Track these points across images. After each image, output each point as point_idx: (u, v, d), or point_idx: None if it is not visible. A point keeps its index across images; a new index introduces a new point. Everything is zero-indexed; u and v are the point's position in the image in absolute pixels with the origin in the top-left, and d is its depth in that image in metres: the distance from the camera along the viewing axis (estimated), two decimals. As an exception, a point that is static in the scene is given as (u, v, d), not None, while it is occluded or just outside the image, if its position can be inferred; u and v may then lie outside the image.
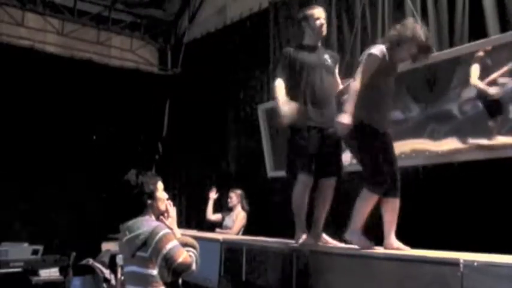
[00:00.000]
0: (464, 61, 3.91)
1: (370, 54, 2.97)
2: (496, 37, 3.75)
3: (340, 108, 3.04)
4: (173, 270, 2.36)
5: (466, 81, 3.91)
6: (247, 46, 6.60)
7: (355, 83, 2.93)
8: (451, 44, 4.15)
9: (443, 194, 3.90)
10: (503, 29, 3.80)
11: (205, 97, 7.32)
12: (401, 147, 4.36)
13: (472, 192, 3.67)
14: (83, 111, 7.15)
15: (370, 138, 2.95)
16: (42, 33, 7.33)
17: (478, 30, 3.93)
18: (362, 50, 3.84)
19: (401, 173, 4.22)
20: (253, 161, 6.12)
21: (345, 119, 2.86)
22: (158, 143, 8.28)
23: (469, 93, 3.90)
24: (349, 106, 2.88)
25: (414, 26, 2.97)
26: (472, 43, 3.89)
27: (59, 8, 7.41)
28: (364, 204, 2.95)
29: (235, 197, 5.34)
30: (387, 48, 3.00)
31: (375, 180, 2.91)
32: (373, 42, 4.75)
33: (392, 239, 2.97)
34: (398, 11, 4.61)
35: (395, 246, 2.89)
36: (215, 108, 7.10)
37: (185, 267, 2.38)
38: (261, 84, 6.29)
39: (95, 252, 6.32)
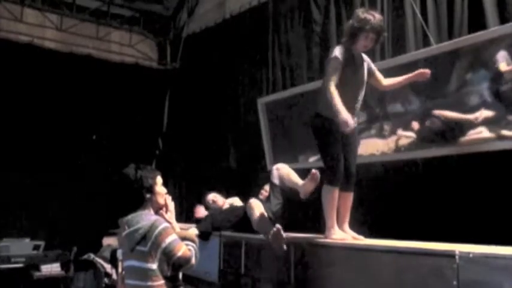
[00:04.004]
0: (464, 53, 3.90)
1: (333, 58, 3.06)
2: (495, 29, 3.74)
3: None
4: (173, 264, 2.38)
5: (465, 73, 3.90)
6: (246, 40, 6.59)
7: (330, 88, 3.00)
8: (450, 36, 4.14)
9: (441, 185, 3.91)
10: (503, 20, 3.78)
11: (205, 91, 7.32)
12: (402, 139, 4.37)
13: (469, 184, 3.68)
14: (82, 106, 7.14)
15: (329, 134, 3.06)
16: (41, 29, 7.33)
17: (477, 22, 3.91)
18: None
19: (401, 166, 4.31)
20: (253, 154, 6.12)
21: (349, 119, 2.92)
22: (158, 138, 8.29)
23: (469, 86, 3.89)
24: (341, 108, 2.94)
25: (363, 16, 3.05)
26: (472, 35, 3.88)
27: (58, 3, 7.40)
28: (328, 200, 3.06)
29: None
30: (345, 43, 3.12)
31: (330, 172, 3.04)
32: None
33: (346, 229, 3.18)
34: (398, 3, 4.60)
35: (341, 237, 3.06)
36: (215, 102, 7.10)
37: (185, 261, 2.40)
38: (261, 78, 6.29)
39: (96, 247, 6.35)
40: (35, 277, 5.92)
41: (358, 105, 3.21)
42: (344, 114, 2.89)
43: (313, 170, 3.22)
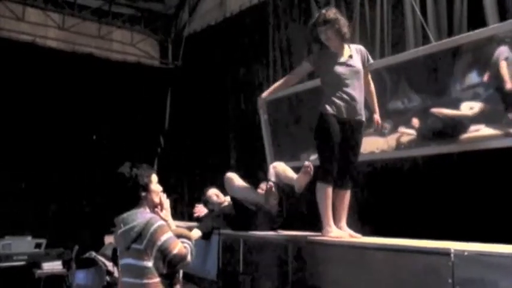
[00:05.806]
0: (464, 51, 3.88)
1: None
2: (495, 26, 3.72)
3: None
4: (168, 262, 2.38)
5: (465, 71, 3.88)
6: (247, 38, 6.59)
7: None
8: (450, 34, 4.12)
9: (439, 184, 3.90)
10: (502, 17, 3.76)
11: (206, 90, 7.33)
12: (401, 137, 4.36)
13: (467, 182, 3.67)
14: (84, 105, 7.17)
15: (326, 132, 3.08)
16: (43, 28, 7.35)
17: (476, 19, 3.89)
18: (360, 40, 3.83)
19: (400, 164, 4.29)
20: (254, 153, 6.12)
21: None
22: (160, 136, 8.31)
23: (469, 82, 3.88)
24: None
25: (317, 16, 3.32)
26: (471, 32, 3.86)
27: (60, 2, 7.42)
28: (322, 197, 3.05)
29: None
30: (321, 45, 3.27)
31: (324, 170, 3.05)
32: (372, 31, 4.78)
33: (343, 227, 3.17)
34: (397, 0, 4.58)
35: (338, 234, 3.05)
36: (216, 100, 7.11)
37: (180, 258, 2.40)
38: (262, 76, 6.29)
39: (98, 245, 6.37)
40: (36, 275, 5.93)
41: (356, 98, 3.19)
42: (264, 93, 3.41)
43: (306, 163, 3.25)
